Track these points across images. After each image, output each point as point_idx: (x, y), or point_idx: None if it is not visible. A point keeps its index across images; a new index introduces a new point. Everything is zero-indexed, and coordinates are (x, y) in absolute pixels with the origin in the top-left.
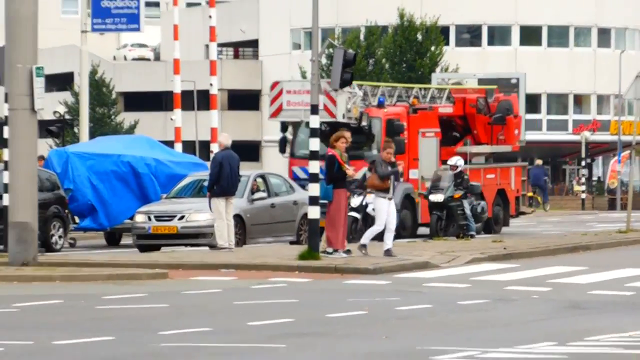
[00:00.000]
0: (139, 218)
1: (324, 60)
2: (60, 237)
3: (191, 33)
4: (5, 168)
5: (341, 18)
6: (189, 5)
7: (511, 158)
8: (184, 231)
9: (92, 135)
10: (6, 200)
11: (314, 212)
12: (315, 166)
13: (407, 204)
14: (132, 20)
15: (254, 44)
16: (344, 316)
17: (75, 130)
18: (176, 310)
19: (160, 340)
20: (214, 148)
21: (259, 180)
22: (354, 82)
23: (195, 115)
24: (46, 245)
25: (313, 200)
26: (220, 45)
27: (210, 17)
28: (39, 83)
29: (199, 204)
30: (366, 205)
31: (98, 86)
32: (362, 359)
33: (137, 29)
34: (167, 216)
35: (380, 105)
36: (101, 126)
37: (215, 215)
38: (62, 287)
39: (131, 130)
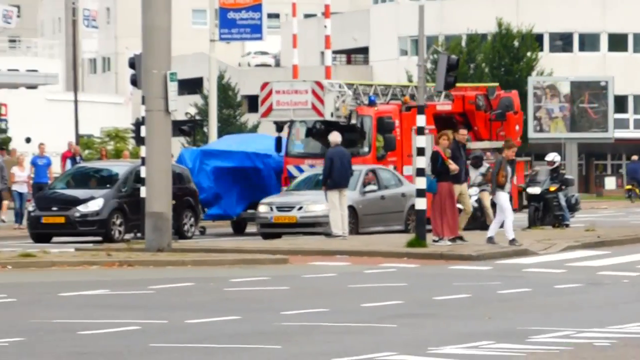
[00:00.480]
0: (262, 209)
1: (428, 65)
2: (191, 225)
3: (308, 41)
4: (143, 163)
5: (444, 27)
6: (306, 16)
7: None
8: (303, 220)
9: (220, 134)
10: (143, 192)
11: (421, 203)
12: (422, 161)
13: None
14: (256, 30)
15: (364, 50)
16: (449, 299)
17: (205, 129)
18: (296, 292)
19: (282, 319)
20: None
21: (370, 174)
22: (342, 81)
23: None
24: (179, 232)
25: (420, 193)
26: (334, 52)
27: (325, 26)
28: (173, 87)
29: (316, 196)
30: (479, 200)
31: (225, 90)
32: (467, 338)
33: (260, 38)
34: (287, 207)
35: (371, 103)
36: (227, 126)
37: (330, 206)
38: (193, 271)
39: (254, 129)
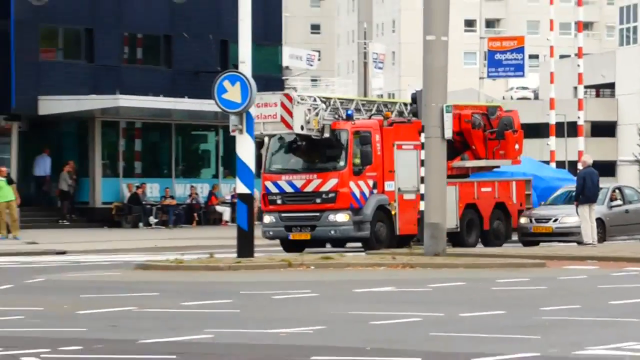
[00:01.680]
0: (523, 220)
1: None
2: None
3: (563, 78)
4: (422, 182)
5: None
6: (562, 56)
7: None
8: (558, 230)
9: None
10: (422, 205)
11: None
12: None
13: (382, 215)
14: (519, 69)
15: (611, 85)
16: None
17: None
18: (552, 292)
19: (541, 314)
20: (579, 166)
21: (616, 191)
22: (316, 95)
23: (565, 141)
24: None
25: None
26: (585, 87)
27: (578, 65)
28: (448, 117)
29: (569, 210)
30: None
31: None
32: None
33: (522, 75)
34: (544, 219)
35: (349, 117)
36: None
37: (581, 218)
38: (465, 273)
39: None
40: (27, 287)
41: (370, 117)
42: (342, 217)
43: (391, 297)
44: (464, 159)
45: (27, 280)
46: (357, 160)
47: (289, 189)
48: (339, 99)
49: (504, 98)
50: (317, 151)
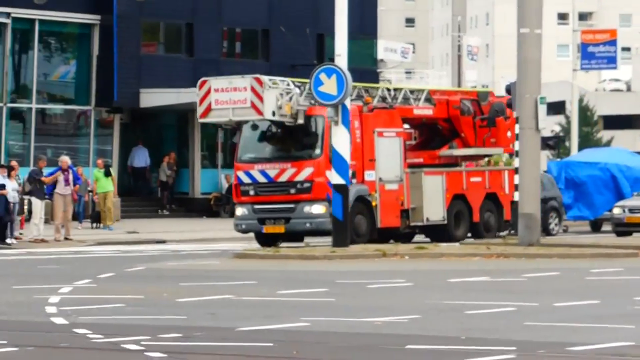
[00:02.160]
0: (616, 210)
1: None
2: (555, 224)
3: None
4: (516, 172)
5: None
6: None
7: None
8: None
9: (580, 148)
10: (516, 196)
11: None
12: None
13: (362, 207)
14: (611, 61)
15: None
16: None
17: (567, 144)
18: None
19: (635, 303)
20: None
21: None
22: (289, 79)
23: None
24: (546, 230)
25: None
26: None
27: None
28: (542, 109)
29: None
30: None
31: (583, 111)
32: None
33: (615, 67)
34: (637, 209)
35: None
36: (586, 141)
37: None
38: (558, 263)
39: (607, 144)
40: (128, 275)
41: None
42: (318, 208)
43: (485, 287)
44: (453, 147)
45: (128, 269)
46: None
47: (262, 179)
48: None
49: (596, 90)
50: (292, 139)
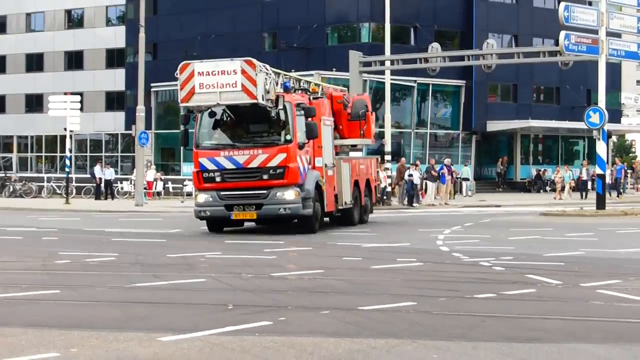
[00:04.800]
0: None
1: None
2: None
3: None
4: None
5: None
6: None
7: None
8: None
9: None
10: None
11: None
12: None
13: (316, 192)
14: None
15: None
16: None
17: None
18: None
19: None
20: None
21: None
22: (262, 63)
23: None
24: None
25: None
26: None
27: None
28: None
29: None
30: None
31: None
32: None
33: None
34: None
35: (287, 90)
36: None
37: None
38: None
39: None
40: (480, 224)
41: (296, 92)
42: (291, 194)
43: None
44: (336, 138)
45: (480, 221)
46: (300, 134)
47: (229, 165)
48: (273, 71)
49: None
50: (257, 124)
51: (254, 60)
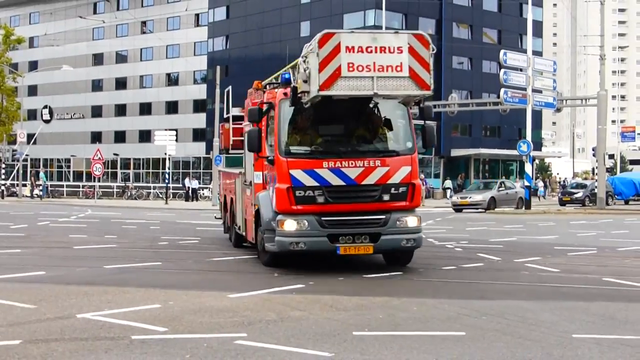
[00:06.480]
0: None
1: None
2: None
3: None
4: None
5: None
6: None
7: None
8: None
9: None
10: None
11: None
12: None
13: None
14: None
15: None
16: None
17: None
18: None
19: None
20: None
21: None
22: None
23: None
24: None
25: None
26: None
27: None
28: None
29: None
30: None
31: None
32: None
33: None
34: None
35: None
36: None
37: None
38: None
39: None
40: (447, 220)
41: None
42: (413, 220)
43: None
44: None
45: (446, 217)
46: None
47: (336, 182)
48: None
49: None
50: (364, 125)
51: (426, 36)
